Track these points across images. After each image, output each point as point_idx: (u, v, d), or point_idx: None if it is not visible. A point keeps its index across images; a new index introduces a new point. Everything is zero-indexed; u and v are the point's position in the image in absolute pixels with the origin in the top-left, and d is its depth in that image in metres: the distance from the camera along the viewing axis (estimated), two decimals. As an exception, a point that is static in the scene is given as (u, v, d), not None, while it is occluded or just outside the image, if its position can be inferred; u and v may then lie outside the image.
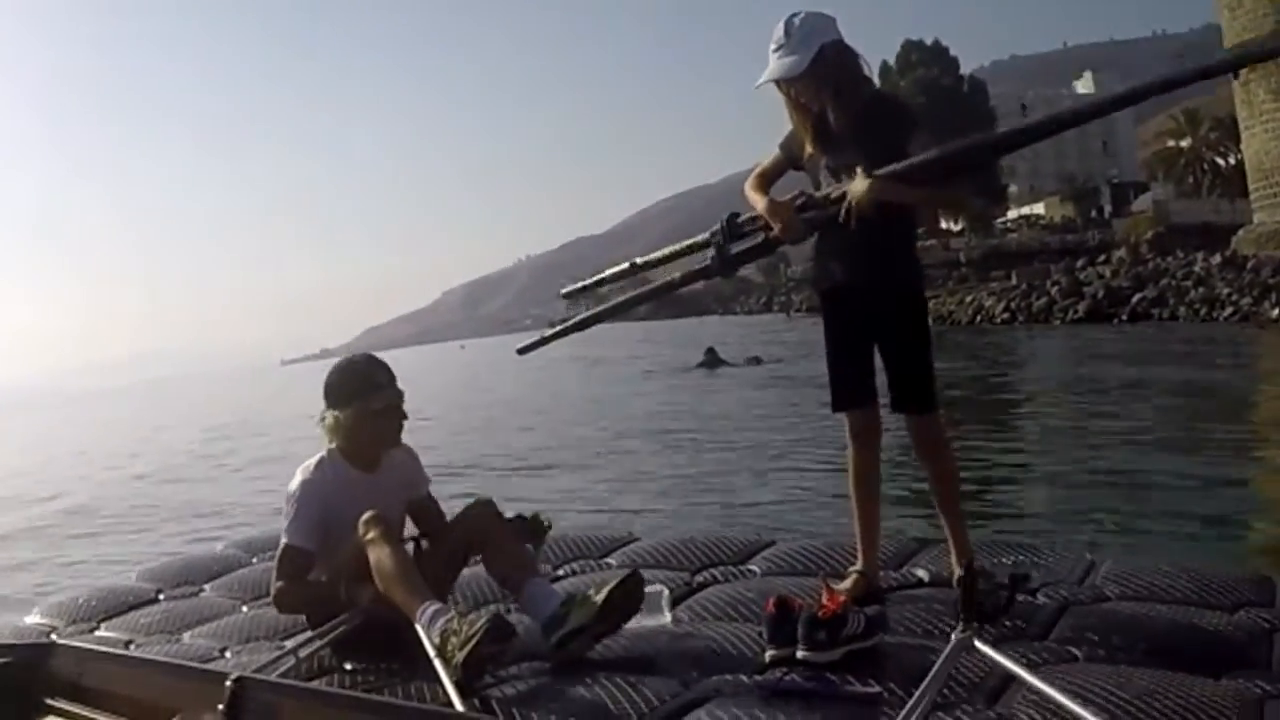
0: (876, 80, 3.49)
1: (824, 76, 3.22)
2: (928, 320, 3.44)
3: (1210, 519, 7.33)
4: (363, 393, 3.33)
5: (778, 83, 3.30)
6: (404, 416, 3.41)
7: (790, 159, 3.47)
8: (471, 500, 3.46)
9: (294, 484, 3.32)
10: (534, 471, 12.62)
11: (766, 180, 3.49)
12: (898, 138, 3.21)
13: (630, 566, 3.91)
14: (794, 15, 3.23)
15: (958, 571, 3.36)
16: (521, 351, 4.25)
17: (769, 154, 3.54)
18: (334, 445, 3.37)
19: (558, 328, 4.21)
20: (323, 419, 3.36)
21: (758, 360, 26.17)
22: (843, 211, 3.16)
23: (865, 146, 3.20)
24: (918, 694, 2.21)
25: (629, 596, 3.10)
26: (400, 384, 3.40)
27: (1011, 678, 2.59)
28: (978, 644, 2.29)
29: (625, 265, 4.01)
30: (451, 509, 3.52)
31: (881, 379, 3.44)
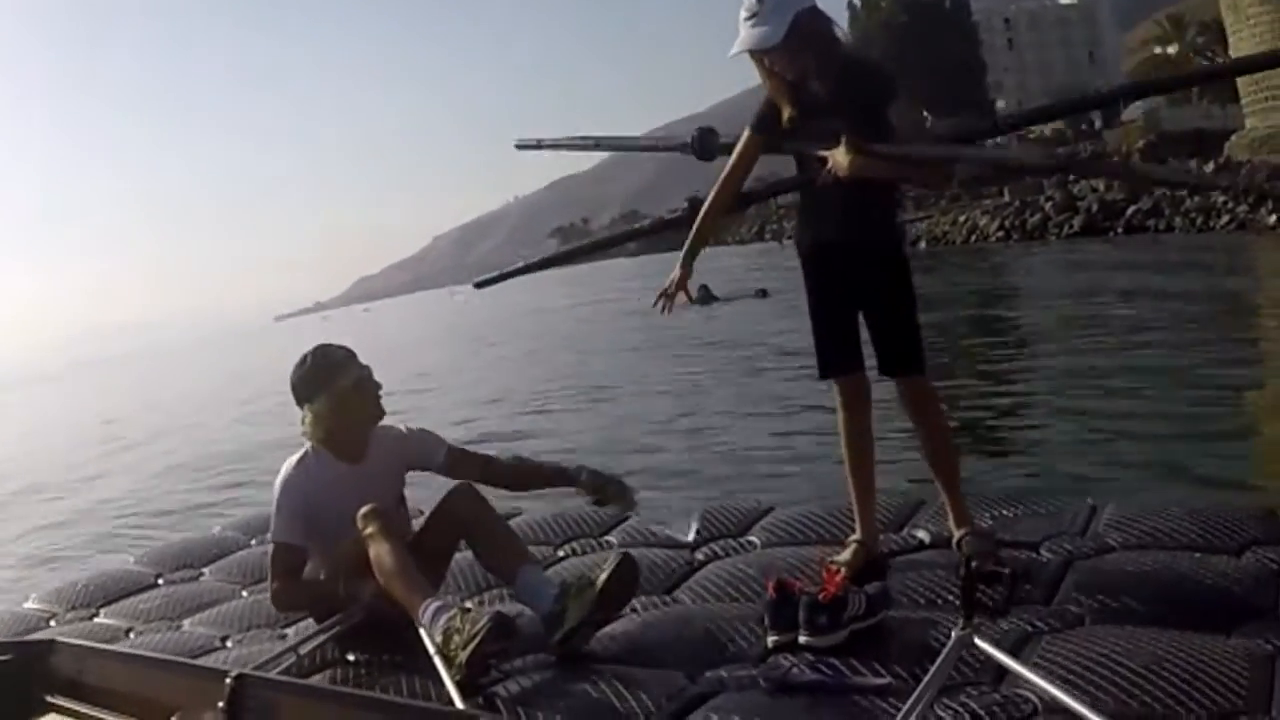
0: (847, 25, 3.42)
1: (799, 46, 3.14)
2: (911, 280, 3.39)
3: (1212, 445, 7.29)
4: (328, 377, 3.32)
5: (751, 52, 3.21)
6: (378, 385, 3.40)
7: (766, 132, 3.38)
8: (453, 487, 3.43)
9: (276, 482, 3.33)
10: (525, 432, 12.51)
11: (739, 179, 3.48)
12: (876, 103, 3.17)
13: (630, 545, 3.90)
14: None
15: (956, 534, 3.35)
16: (479, 285, 4.29)
17: (744, 132, 3.44)
18: (318, 440, 3.35)
19: (519, 266, 4.21)
20: (302, 421, 3.35)
21: (764, 293, 25.65)
22: (826, 174, 3.13)
23: (844, 113, 3.14)
24: (917, 693, 2.18)
25: (624, 582, 3.12)
26: (390, 342, 3.38)
27: (1017, 654, 2.56)
28: (978, 641, 2.26)
29: (591, 141, 3.97)
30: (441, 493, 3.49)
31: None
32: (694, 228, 3.50)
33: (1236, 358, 10.95)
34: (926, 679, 2.19)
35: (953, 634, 2.21)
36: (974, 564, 2.04)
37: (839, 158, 3.06)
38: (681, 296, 3.45)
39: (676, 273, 3.43)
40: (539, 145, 4.20)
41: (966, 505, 3.46)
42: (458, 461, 3.48)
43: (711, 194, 3.49)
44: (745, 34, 3.15)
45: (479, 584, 3.77)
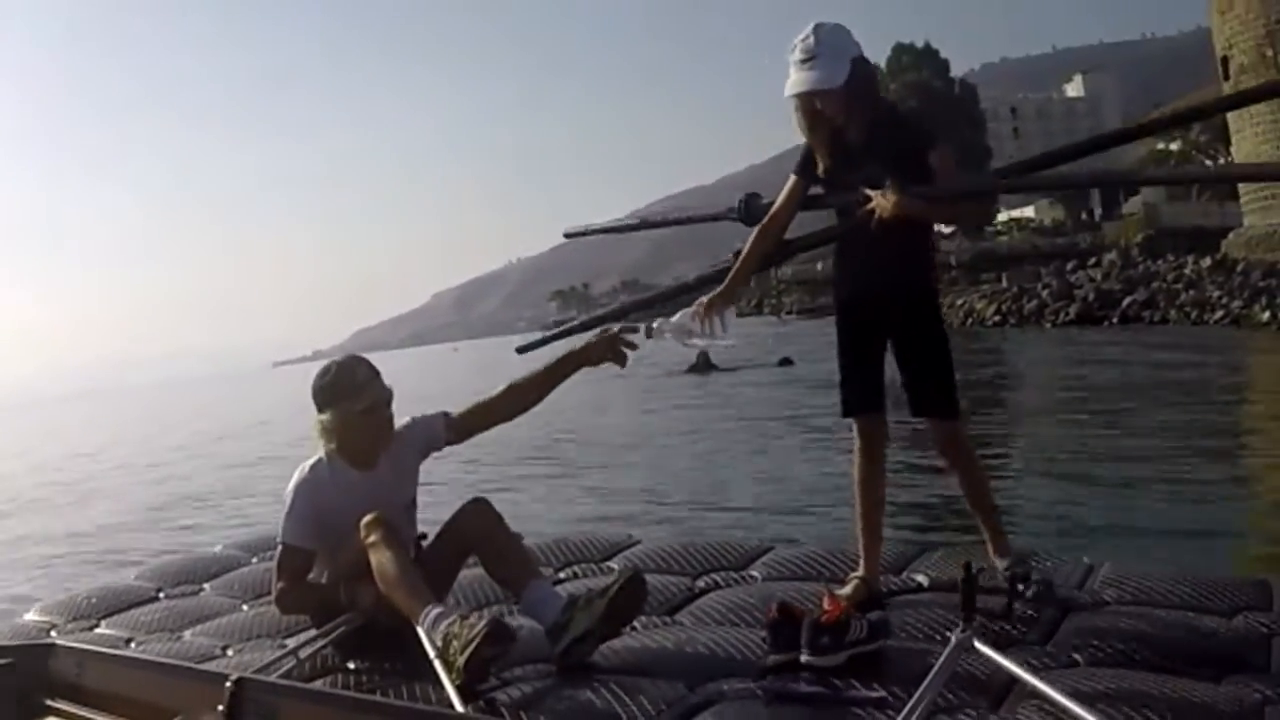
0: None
1: (854, 90, 3.26)
2: (943, 324, 3.49)
3: (1206, 521, 7.34)
4: (346, 393, 3.32)
5: (803, 94, 3.30)
6: (391, 415, 3.40)
7: (807, 176, 3.49)
8: (466, 503, 3.44)
9: (289, 486, 3.36)
10: (530, 479, 12.53)
11: (783, 221, 3.56)
12: (913, 147, 3.27)
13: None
14: (819, 26, 3.25)
15: (999, 564, 3.40)
16: (521, 350, 4.30)
17: (788, 181, 3.55)
18: (330, 447, 3.38)
19: (558, 329, 4.28)
20: (317, 425, 3.37)
21: (788, 361, 26.42)
22: (865, 214, 3.23)
23: (884, 159, 3.24)
24: (918, 693, 2.21)
25: (632, 599, 3.12)
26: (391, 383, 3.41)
27: (1014, 682, 2.61)
28: (977, 644, 2.30)
29: (636, 220, 4.07)
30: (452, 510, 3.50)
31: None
32: (737, 263, 3.61)
33: (1229, 447, 11.03)
34: (928, 680, 2.22)
35: (953, 637, 2.24)
36: (975, 571, 2.08)
37: (882, 200, 3.17)
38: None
39: (720, 288, 3.56)
40: (586, 232, 4.34)
41: (1008, 540, 3.52)
42: (457, 425, 3.51)
43: (753, 235, 3.58)
44: (801, 75, 3.25)
45: (481, 600, 3.78)
